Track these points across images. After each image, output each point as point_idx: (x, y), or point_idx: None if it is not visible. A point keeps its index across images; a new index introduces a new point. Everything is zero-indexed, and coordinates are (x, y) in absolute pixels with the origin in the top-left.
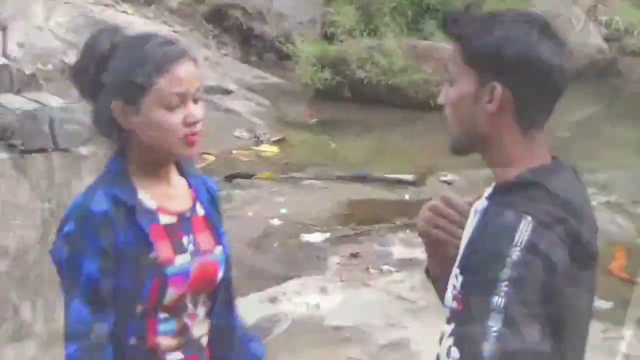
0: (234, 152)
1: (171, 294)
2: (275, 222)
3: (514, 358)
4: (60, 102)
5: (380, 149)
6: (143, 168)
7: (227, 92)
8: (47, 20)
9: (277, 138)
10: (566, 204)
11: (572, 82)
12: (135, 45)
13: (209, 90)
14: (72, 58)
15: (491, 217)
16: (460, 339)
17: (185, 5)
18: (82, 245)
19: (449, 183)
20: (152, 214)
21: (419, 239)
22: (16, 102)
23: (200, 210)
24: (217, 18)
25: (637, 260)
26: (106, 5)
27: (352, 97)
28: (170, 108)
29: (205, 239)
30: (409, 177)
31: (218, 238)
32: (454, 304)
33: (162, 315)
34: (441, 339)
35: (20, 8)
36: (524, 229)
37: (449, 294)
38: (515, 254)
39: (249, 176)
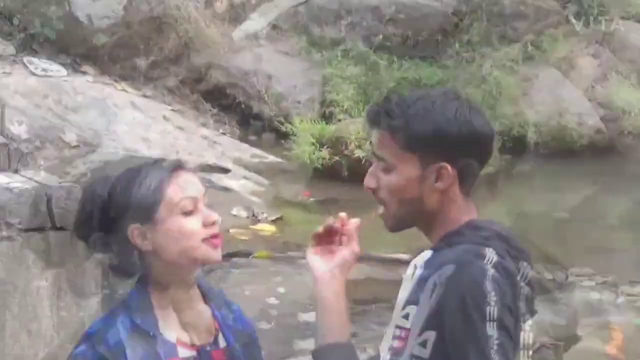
0: (231, 230)
1: None
2: (273, 301)
3: None
4: (58, 181)
5: (377, 228)
6: (164, 296)
7: (225, 170)
8: (46, 98)
9: (275, 217)
10: (513, 243)
11: (571, 163)
12: (131, 174)
13: (206, 168)
14: (70, 137)
15: (454, 252)
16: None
17: (184, 84)
18: None
19: None
20: (171, 348)
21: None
22: (13, 180)
23: (222, 342)
24: (216, 97)
25: (634, 340)
26: (105, 83)
27: (350, 176)
28: (185, 214)
29: None
30: (404, 256)
31: None
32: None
33: None
34: None
35: (19, 85)
36: (490, 255)
37: (386, 345)
38: (490, 270)
39: (246, 255)
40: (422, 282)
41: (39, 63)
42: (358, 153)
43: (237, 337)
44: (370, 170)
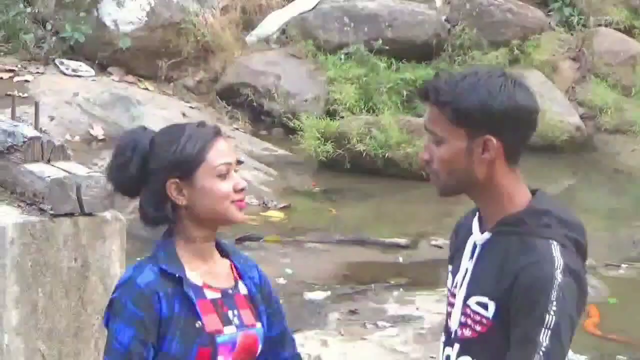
0: None
1: None
2: (281, 281)
3: None
4: (86, 171)
5: (377, 215)
6: (189, 248)
7: (239, 162)
8: (76, 96)
9: (283, 205)
10: (573, 225)
11: (552, 157)
12: (174, 132)
13: None
14: (97, 130)
15: (526, 246)
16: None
17: (201, 84)
18: (120, 313)
19: (439, 247)
20: (198, 290)
21: (412, 297)
22: (46, 170)
23: (243, 289)
24: (230, 95)
25: (609, 318)
26: (129, 83)
27: (352, 168)
28: (221, 177)
29: (247, 314)
30: (402, 241)
31: (258, 316)
32: (477, 328)
33: None
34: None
35: (51, 84)
36: (557, 253)
37: (455, 322)
38: (559, 276)
39: (257, 239)
40: (485, 266)
41: (69, 64)
42: (359, 147)
43: (258, 290)
44: (424, 143)
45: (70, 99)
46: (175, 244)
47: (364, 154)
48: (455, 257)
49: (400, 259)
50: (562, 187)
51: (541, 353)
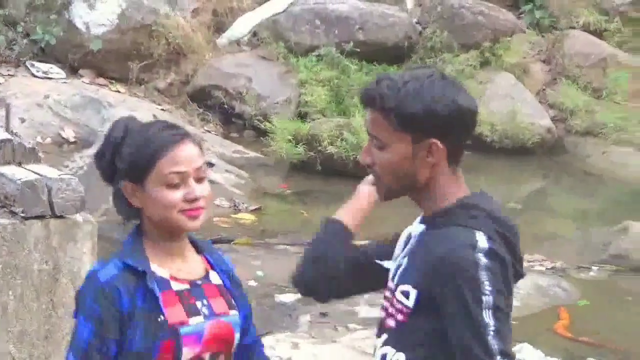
0: (215, 219)
1: (186, 353)
2: (252, 283)
3: (508, 345)
4: (57, 173)
5: None
6: (157, 243)
7: (210, 165)
8: (47, 98)
9: (254, 207)
10: (503, 222)
11: (523, 159)
12: (141, 131)
13: None
14: (68, 133)
15: (440, 236)
16: (455, 339)
17: (172, 86)
18: (82, 308)
19: None
20: (164, 282)
21: (382, 300)
22: (17, 173)
23: (215, 279)
24: (201, 98)
25: (580, 320)
26: (100, 85)
27: (323, 170)
28: (170, 186)
29: (219, 303)
30: (366, 242)
31: (232, 303)
32: (398, 317)
33: None
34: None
35: (22, 86)
36: (481, 239)
37: (384, 312)
38: (482, 258)
39: (228, 241)
40: (414, 257)
41: (40, 66)
42: (330, 149)
43: (230, 279)
44: (365, 147)
45: (42, 102)
46: (144, 241)
47: (335, 157)
48: (391, 248)
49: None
50: (533, 189)
51: (492, 333)
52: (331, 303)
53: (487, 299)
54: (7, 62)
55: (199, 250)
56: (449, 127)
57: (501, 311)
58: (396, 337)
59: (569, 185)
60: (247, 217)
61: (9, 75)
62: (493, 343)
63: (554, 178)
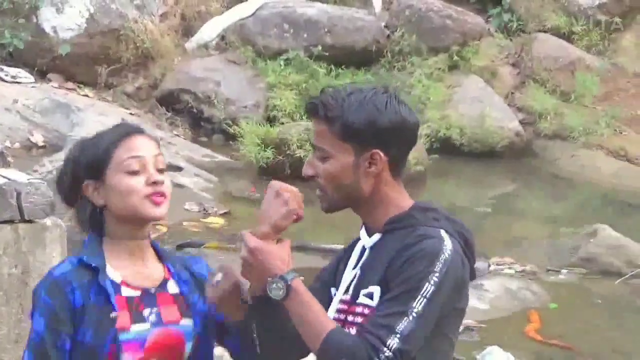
0: (184, 223)
1: (126, 358)
2: None
3: (413, 341)
4: (26, 177)
5: (316, 221)
6: (116, 247)
7: (178, 169)
8: (15, 103)
9: (224, 211)
10: (461, 225)
11: (492, 162)
12: (95, 135)
13: None
14: (37, 137)
15: (410, 231)
16: (383, 305)
17: (141, 90)
18: (37, 304)
19: None
20: (114, 286)
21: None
22: None
23: (173, 289)
24: (170, 102)
25: (550, 323)
26: (69, 89)
27: (292, 174)
28: (130, 173)
29: (170, 312)
30: (340, 247)
31: (186, 312)
32: (358, 322)
33: None
34: None
35: None
36: (446, 237)
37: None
38: (448, 251)
39: (198, 245)
40: (372, 264)
41: (9, 70)
42: (299, 153)
43: (197, 286)
44: (308, 159)
45: (10, 106)
46: (103, 242)
47: (304, 160)
48: (332, 274)
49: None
50: (502, 192)
51: (411, 318)
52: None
53: (429, 288)
54: None
55: (161, 258)
56: (392, 138)
57: (430, 311)
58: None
59: (538, 189)
60: (216, 221)
61: None
62: (401, 325)
63: (523, 181)
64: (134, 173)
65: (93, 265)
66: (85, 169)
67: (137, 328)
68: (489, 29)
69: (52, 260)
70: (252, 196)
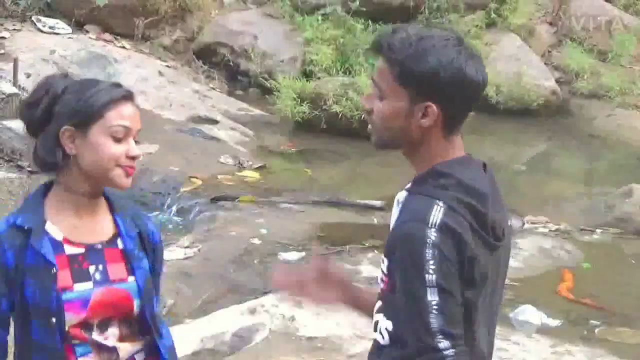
0: (219, 177)
1: (71, 318)
2: (256, 241)
3: (453, 324)
4: None
5: (352, 177)
6: (66, 199)
7: (214, 122)
8: (53, 53)
9: (259, 165)
10: (473, 190)
11: (528, 121)
12: (88, 83)
13: (198, 120)
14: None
15: (406, 205)
16: (403, 315)
17: (178, 43)
18: None
19: None
20: (56, 244)
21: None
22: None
23: (120, 244)
24: (207, 55)
25: (582, 282)
26: (106, 41)
27: (328, 129)
28: (115, 139)
29: (117, 269)
30: (377, 202)
31: (133, 270)
32: (382, 285)
33: (75, 341)
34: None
35: (28, 41)
36: (436, 213)
37: (378, 279)
38: (432, 234)
39: (232, 199)
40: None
41: (46, 21)
42: (335, 108)
43: (142, 244)
44: (368, 92)
45: (47, 57)
46: (48, 195)
47: (340, 116)
48: None
49: (375, 221)
50: (538, 151)
51: (435, 311)
52: (336, 262)
53: (431, 277)
54: (13, 16)
55: (112, 209)
56: (450, 94)
57: (445, 291)
58: (384, 305)
59: (573, 148)
60: (251, 175)
61: (14, 29)
62: (434, 322)
63: (559, 140)
64: (117, 140)
65: (26, 227)
66: (70, 114)
67: (80, 287)
68: None
69: None
70: (287, 150)
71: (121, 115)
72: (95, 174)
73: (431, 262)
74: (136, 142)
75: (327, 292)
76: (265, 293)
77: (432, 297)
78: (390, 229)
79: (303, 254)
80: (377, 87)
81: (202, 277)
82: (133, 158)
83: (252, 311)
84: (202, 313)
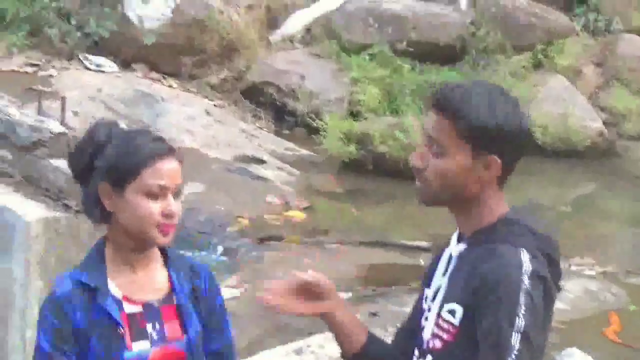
0: (265, 216)
1: None
2: None
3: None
4: None
5: (398, 217)
6: (118, 255)
7: (261, 161)
8: (99, 92)
9: (305, 205)
10: (547, 239)
11: (574, 162)
12: (129, 137)
13: (245, 159)
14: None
15: (485, 255)
16: (483, 354)
17: (225, 82)
18: (41, 322)
19: None
20: (118, 303)
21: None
22: None
23: (175, 300)
24: (254, 94)
25: (629, 325)
26: (153, 79)
27: (374, 169)
28: (151, 197)
29: (173, 327)
30: (423, 243)
31: (186, 327)
32: (444, 337)
33: None
34: None
35: (75, 79)
36: (525, 259)
37: (428, 333)
38: (526, 280)
39: (279, 239)
40: (457, 275)
41: (94, 59)
42: (382, 148)
43: (197, 298)
44: (418, 150)
45: (94, 95)
46: (106, 251)
47: (387, 156)
48: (429, 273)
49: (422, 262)
50: (584, 192)
51: (513, 356)
52: (381, 302)
53: (520, 322)
54: (61, 54)
55: (167, 263)
56: (512, 146)
57: (528, 340)
58: (444, 358)
59: (620, 189)
60: (297, 215)
61: (62, 68)
62: None
63: (605, 181)
64: (154, 197)
65: (92, 285)
66: (108, 171)
67: (138, 347)
68: (574, 28)
69: None
70: (334, 190)
71: (158, 173)
72: (134, 232)
73: (523, 307)
74: (178, 195)
75: (306, 303)
76: (311, 333)
77: (515, 343)
78: (445, 283)
79: (349, 294)
80: (434, 143)
81: (248, 318)
82: (169, 216)
83: (298, 352)
84: (248, 353)
